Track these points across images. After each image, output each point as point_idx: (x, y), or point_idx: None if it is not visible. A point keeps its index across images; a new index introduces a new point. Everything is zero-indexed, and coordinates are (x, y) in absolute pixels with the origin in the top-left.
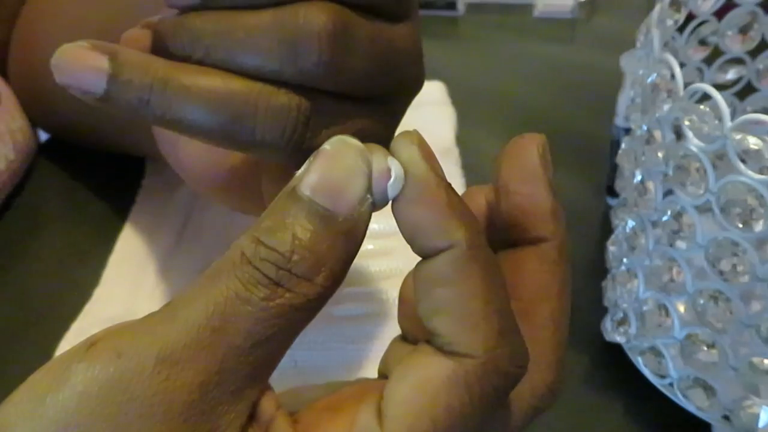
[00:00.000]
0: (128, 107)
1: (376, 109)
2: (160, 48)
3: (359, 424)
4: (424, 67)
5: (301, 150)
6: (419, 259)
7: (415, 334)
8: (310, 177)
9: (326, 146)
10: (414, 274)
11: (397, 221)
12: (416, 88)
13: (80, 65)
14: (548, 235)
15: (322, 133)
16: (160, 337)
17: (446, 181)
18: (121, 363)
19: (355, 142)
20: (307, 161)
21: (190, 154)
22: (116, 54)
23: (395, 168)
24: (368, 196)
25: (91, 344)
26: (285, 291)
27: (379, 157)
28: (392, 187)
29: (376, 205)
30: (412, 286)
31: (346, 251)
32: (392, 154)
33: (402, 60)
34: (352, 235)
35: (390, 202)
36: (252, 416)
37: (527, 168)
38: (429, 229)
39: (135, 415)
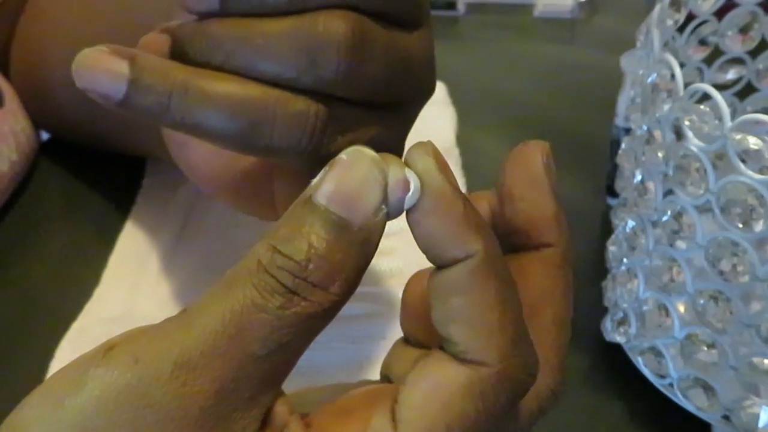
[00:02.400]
0: (147, 112)
1: (389, 116)
2: (178, 53)
3: (373, 428)
4: (435, 74)
5: (317, 156)
6: (421, 258)
7: (419, 337)
8: (327, 186)
9: (342, 156)
10: (429, 283)
11: (412, 231)
12: (428, 94)
13: (100, 70)
14: (552, 242)
15: (337, 140)
16: (177, 343)
17: (462, 192)
18: (138, 369)
19: (370, 152)
20: (322, 170)
21: (201, 157)
22: (136, 59)
23: (413, 179)
24: (383, 206)
25: (108, 349)
26: (300, 299)
27: (395, 168)
28: (410, 198)
29: (391, 215)
30: (415, 291)
31: (361, 260)
32: (407, 164)
33: (416, 67)
34: (367, 245)
35: (405, 212)
36: (265, 421)
37: (531, 175)
38: (446, 240)
39: (152, 421)
